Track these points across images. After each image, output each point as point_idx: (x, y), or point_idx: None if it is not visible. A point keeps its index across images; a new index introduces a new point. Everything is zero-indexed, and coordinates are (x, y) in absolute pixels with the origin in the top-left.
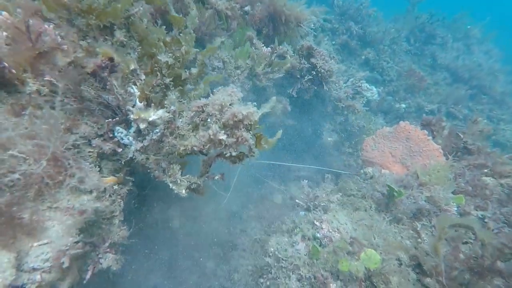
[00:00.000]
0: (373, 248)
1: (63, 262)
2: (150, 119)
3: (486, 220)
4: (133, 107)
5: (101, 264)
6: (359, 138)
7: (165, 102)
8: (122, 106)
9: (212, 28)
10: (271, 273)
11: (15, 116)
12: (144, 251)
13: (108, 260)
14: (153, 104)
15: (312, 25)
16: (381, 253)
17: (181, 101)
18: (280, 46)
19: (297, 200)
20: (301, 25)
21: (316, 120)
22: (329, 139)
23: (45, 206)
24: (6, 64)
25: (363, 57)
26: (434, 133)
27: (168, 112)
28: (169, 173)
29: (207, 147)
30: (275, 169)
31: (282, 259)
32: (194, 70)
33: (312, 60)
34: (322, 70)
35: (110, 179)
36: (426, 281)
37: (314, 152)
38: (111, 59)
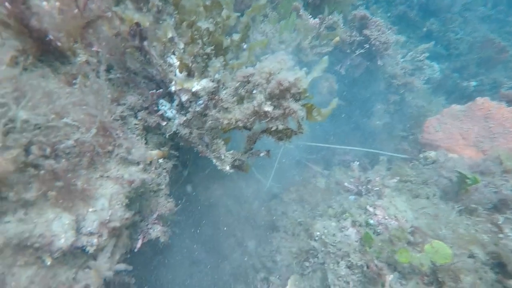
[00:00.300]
0: (439, 240)
1: (115, 227)
2: (194, 89)
3: None
4: (178, 77)
5: (150, 234)
6: (416, 120)
7: (209, 70)
8: (163, 77)
9: None
10: (317, 258)
11: (68, 86)
12: (188, 227)
13: (157, 231)
14: (196, 74)
15: None
16: (451, 246)
17: (224, 71)
18: (330, 16)
19: (346, 184)
20: None
21: (366, 99)
22: (377, 122)
23: (98, 175)
24: (52, 37)
25: (424, 29)
26: None
27: (213, 81)
28: (213, 148)
29: (251, 120)
30: (319, 152)
31: (330, 244)
32: (236, 36)
33: (366, 31)
34: (377, 43)
35: (156, 153)
36: (510, 284)
37: (363, 134)
38: (138, 25)
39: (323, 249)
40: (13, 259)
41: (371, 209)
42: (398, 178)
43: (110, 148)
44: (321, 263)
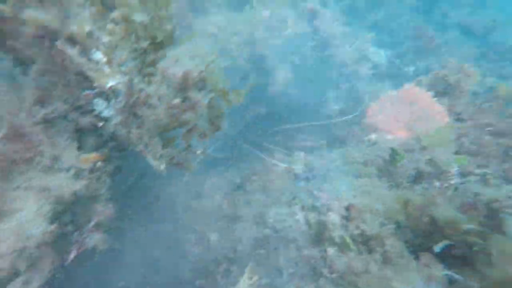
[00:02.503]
0: (373, 214)
1: (30, 247)
2: (109, 85)
3: (487, 177)
4: (99, 72)
5: (86, 244)
6: (365, 104)
7: (119, 64)
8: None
9: None
10: (269, 243)
11: None
12: (145, 226)
13: (94, 239)
14: (112, 69)
15: None
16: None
17: (137, 63)
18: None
19: (295, 171)
20: None
21: (320, 87)
22: (334, 107)
23: (14, 186)
24: None
25: (371, 18)
26: None
27: (124, 76)
28: (149, 148)
29: (168, 114)
30: (279, 140)
31: (281, 229)
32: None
33: (315, 22)
34: (325, 34)
35: (92, 156)
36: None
37: (319, 121)
38: (45, 26)
39: (275, 235)
40: None
41: (316, 193)
42: (340, 161)
43: (29, 155)
44: (274, 249)
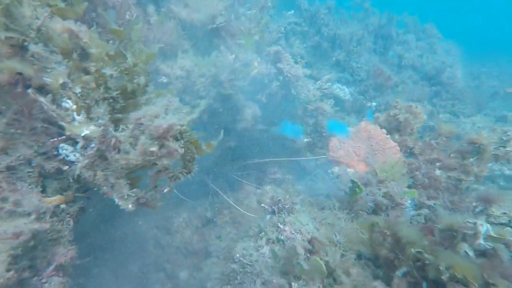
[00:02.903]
0: (334, 245)
1: None
2: (83, 134)
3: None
4: (71, 122)
5: None
6: (327, 139)
7: (92, 116)
8: (59, 122)
9: (174, 38)
10: (237, 279)
11: None
12: (113, 265)
13: (54, 284)
14: (85, 118)
15: (283, 29)
16: (343, 249)
17: (110, 116)
18: (244, 55)
19: (262, 204)
20: None
21: (286, 122)
22: (305, 140)
23: None
24: None
25: (334, 58)
26: None
27: (99, 126)
28: (116, 188)
29: (142, 159)
30: (250, 174)
31: (247, 264)
32: (141, 81)
33: (279, 65)
34: (289, 75)
35: (55, 199)
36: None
37: (289, 154)
38: (20, 74)
39: (241, 270)
40: None
41: (281, 226)
42: (303, 195)
43: None
44: (240, 283)
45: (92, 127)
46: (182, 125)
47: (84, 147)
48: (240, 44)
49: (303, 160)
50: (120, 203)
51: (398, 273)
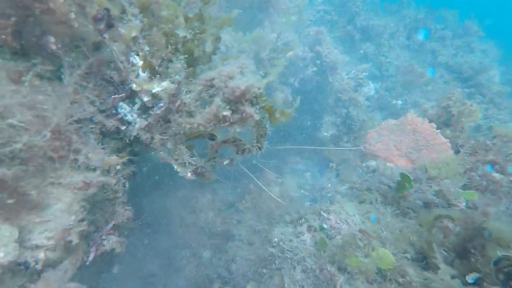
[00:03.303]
0: (381, 242)
1: (69, 240)
2: (154, 91)
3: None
4: (136, 78)
5: (104, 246)
6: (358, 133)
7: (169, 71)
8: (124, 78)
9: (215, 11)
10: (275, 264)
11: (14, 84)
12: (142, 238)
13: (112, 242)
14: (158, 75)
15: (312, 17)
16: (390, 247)
17: (192, 80)
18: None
19: (302, 191)
20: None
21: (316, 112)
22: (324, 134)
23: (48, 182)
24: None
25: (361, 51)
26: None
27: (173, 83)
28: (176, 154)
29: (211, 124)
30: (271, 161)
31: (287, 249)
32: (208, 48)
33: (318, 48)
34: (328, 60)
35: (114, 158)
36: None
37: (312, 144)
38: (107, 10)
39: (280, 254)
40: None
41: (324, 214)
42: (348, 185)
43: (64, 153)
44: (278, 269)
45: (165, 84)
46: (259, 88)
47: (150, 107)
48: (282, 22)
49: (328, 152)
50: (179, 170)
51: (469, 278)
